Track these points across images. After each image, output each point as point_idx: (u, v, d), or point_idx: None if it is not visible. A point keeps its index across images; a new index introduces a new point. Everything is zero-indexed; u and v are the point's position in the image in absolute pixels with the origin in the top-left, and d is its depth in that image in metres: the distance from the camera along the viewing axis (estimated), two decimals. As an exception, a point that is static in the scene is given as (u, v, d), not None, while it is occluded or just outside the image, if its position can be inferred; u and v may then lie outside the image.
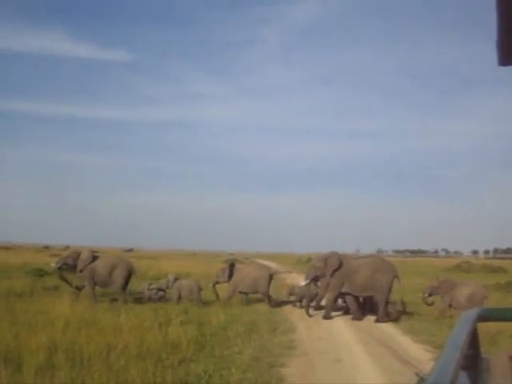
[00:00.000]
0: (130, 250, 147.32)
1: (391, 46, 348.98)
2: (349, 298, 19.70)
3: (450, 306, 19.57)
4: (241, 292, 21.94)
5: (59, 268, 21.89)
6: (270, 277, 21.79)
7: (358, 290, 19.53)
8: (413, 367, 10.46)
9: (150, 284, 22.21)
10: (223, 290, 22.25)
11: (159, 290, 21.64)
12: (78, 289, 21.20)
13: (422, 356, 12.18)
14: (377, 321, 18.55)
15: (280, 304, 22.07)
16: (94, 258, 21.94)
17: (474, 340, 2.55)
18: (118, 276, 21.43)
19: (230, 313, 18.26)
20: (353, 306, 19.52)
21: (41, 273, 26.69)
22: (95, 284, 21.52)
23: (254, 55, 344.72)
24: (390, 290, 19.34)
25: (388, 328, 16.97)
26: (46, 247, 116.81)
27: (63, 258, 22.33)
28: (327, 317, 19.00)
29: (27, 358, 9.81)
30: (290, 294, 22.69)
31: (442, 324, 16.11)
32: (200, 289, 21.21)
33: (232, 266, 22.61)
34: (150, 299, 21.26)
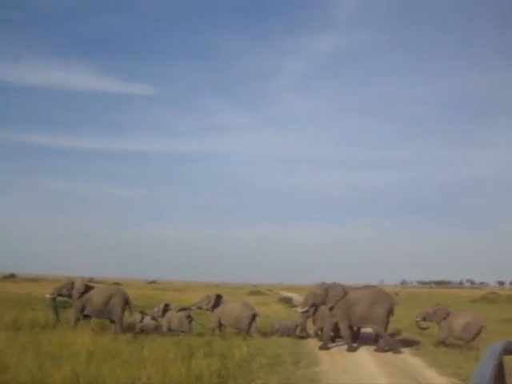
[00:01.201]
0: (153, 282, 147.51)
1: (415, 75, 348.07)
2: (344, 328, 19.71)
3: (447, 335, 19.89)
4: (221, 325, 21.90)
5: (53, 299, 22.05)
6: (253, 316, 21.67)
7: (357, 322, 19.87)
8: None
9: (143, 314, 22.11)
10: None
11: (152, 318, 21.55)
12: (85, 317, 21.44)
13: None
14: (376, 350, 18.79)
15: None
16: (88, 288, 22.12)
17: (500, 373, 2.52)
18: (116, 306, 21.56)
19: (253, 345, 18.15)
20: (347, 336, 19.57)
21: (64, 305, 26.70)
22: (89, 315, 21.75)
23: (278, 86, 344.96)
24: (388, 320, 19.53)
25: (413, 360, 16.76)
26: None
27: (58, 288, 22.35)
28: (351, 349, 18.95)
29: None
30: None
31: (468, 356, 15.87)
32: (191, 319, 21.29)
33: (219, 297, 22.66)
34: (142, 329, 21.17)
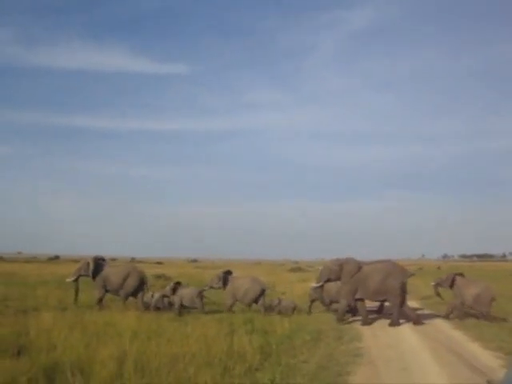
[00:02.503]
0: (195, 261, 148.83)
1: (448, 48, 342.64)
2: (360, 304, 19.91)
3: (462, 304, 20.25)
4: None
5: (75, 280, 22.69)
6: (262, 291, 21.84)
7: (371, 296, 19.87)
8: (483, 375, 10.25)
9: (154, 292, 22.46)
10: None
11: (164, 296, 21.81)
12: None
13: (492, 363, 11.90)
14: (391, 324, 18.84)
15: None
16: (100, 266, 22.74)
17: None
18: (129, 285, 22.28)
19: (295, 321, 18.23)
20: (363, 311, 19.77)
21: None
22: (107, 291, 22.49)
23: (313, 62, 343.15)
24: (403, 292, 19.53)
25: (456, 334, 16.65)
26: (113, 259, 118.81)
27: (76, 270, 23.01)
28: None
29: (98, 368, 10.01)
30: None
31: (512, 330, 15.72)
32: (202, 296, 21.49)
33: (227, 273, 22.98)
34: (156, 306, 21.45)
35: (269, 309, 21.67)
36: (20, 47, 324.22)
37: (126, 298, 22.29)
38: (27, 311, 19.11)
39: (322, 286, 20.98)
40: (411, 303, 25.60)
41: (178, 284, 22.17)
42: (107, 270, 22.59)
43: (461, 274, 21.43)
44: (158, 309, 21.40)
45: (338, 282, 20.74)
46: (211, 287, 22.86)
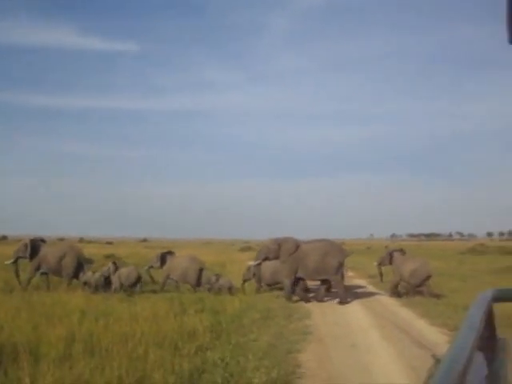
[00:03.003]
0: (145, 240, 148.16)
1: (404, 29, 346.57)
2: (301, 283, 20.21)
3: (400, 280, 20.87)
4: (172, 279, 22.35)
5: (14, 262, 22.44)
6: (200, 270, 21.96)
7: (311, 274, 20.06)
8: (429, 350, 10.46)
9: (94, 272, 22.16)
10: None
11: (104, 277, 21.70)
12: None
13: (438, 339, 12.16)
14: (340, 302, 19.09)
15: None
16: (38, 247, 22.50)
17: (489, 321, 2.55)
18: (68, 264, 22.09)
19: (245, 300, 18.34)
20: (287, 288, 19.87)
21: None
22: (45, 273, 22.36)
23: (264, 41, 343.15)
24: (340, 269, 20.09)
25: (403, 311, 16.96)
26: (61, 239, 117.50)
27: (15, 252, 22.76)
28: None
29: (46, 348, 9.91)
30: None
31: (457, 307, 16.05)
32: (140, 276, 21.43)
33: (167, 253, 23.13)
34: (95, 286, 21.13)
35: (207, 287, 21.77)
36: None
37: (69, 278, 22.01)
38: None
39: (259, 265, 21.14)
40: (359, 281, 25.90)
41: (115, 264, 22.21)
42: (44, 251, 22.37)
43: (400, 251, 22.11)
44: (97, 288, 21.13)
45: (273, 263, 21.07)
46: (151, 267, 23.01)
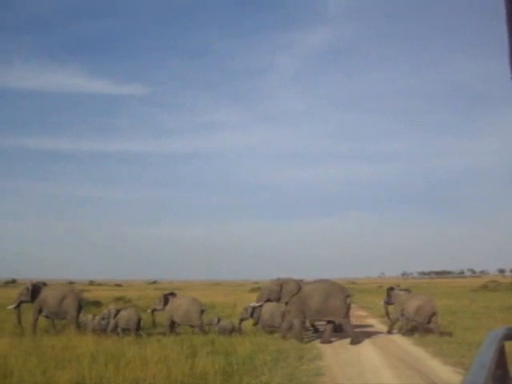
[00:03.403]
0: (155, 282, 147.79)
1: (406, 67, 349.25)
2: (298, 323, 19.91)
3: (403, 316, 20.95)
4: (174, 322, 22.03)
5: (17, 307, 22.47)
6: (202, 311, 21.81)
7: (313, 315, 20.15)
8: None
9: (95, 315, 22.10)
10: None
11: (102, 319, 21.55)
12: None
13: (452, 378, 12.00)
14: (352, 343, 18.84)
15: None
16: (39, 289, 22.47)
17: (501, 359, 2.52)
18: (70, 307, 21.94)
19: (256, 342, 18.16)
20: (298, 330, 19.72)
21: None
22: (46, 316, 22.33)
23: (271, 82, 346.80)
24: (347, 310, 19.87)
25: (416, 350, 16.77)
26: (71, 283, 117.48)
27: (17, 296, 22.82)
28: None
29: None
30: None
31: (471, 345, 15.87)
32: (139, 319, 21.31)
33: (169, 295, 22.92)
34: (93, 329, 20.81)
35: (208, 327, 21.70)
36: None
37: (74, 321, 21.81)
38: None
39: (261, 306, 21.11)
40: (371, 321, 25.68)
41: (118, 311, 21.91)
42: (44, 294, 22.29)
43: (407, 290, 22.40)
44: (92, 331, 20.90)
45: (271, 306, 21.20)
46: (154, 309, 22.87)
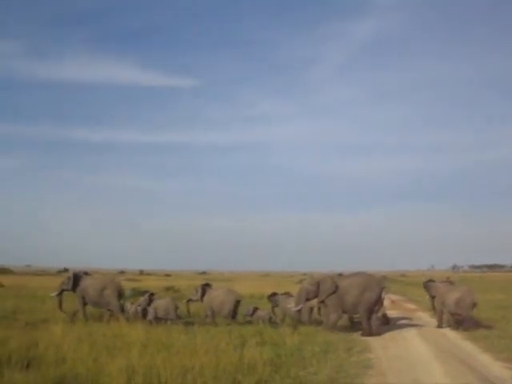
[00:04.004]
0: (204, 273, 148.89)
1: (453, 58, 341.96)
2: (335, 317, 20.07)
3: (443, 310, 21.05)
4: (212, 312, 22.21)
5: (58, 295, 22.97)
6: (237, 302, 21.97)
7: (350, 310, 20.24)
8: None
9: (132, 303, 22.61)
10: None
11: (141, 308, 21.86)
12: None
13: (504, 374, 11.81)
14: (363, 335, 19.05)
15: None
16: (79, 279, 23.04)
17: None
18: (110, 297, 22.34)
19: (304, 333, 18.15)
20: (333, 323, 19.89)
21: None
22: (86, 304, 22.69)
23: (319, 74, 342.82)
24: (378, 303, 19.91)
25: (467, 345, 16.55)
26: (122, 272, 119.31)
27: (59, 285, 23.35)
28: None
29: (107, 381, 10.00)
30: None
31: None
32: (176, 307, 21.61)
33: (206, 286, 23.17)
34: (134, 317, 21.20)
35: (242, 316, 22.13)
36: (27, 60, 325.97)
37: (118, 310, 22.08)
38: (36, 324, 19.16)
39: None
40: (421, 314, 25.37)
41: (152, 295, 22.57)
42: (85, 283, 22.81)
43: (448, 281, 22.20)
44: (133, 318, 21.16)
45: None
46: (190, 299, 23.16)
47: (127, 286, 38.87)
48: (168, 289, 41.25)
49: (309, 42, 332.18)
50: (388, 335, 19.14)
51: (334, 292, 19.79)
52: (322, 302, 20.14)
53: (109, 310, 22.34)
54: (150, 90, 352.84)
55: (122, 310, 22.20)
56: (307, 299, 20.42)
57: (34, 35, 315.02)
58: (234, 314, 21.77)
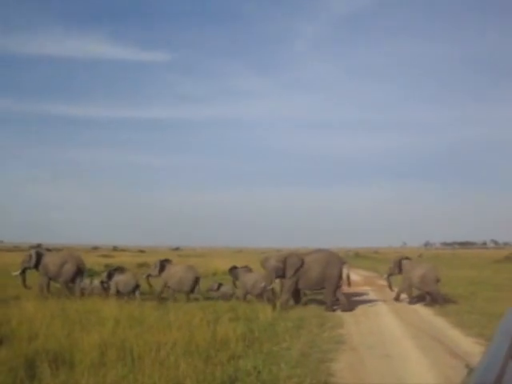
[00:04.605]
0: (177, 249, 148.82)
1: (430, 34, 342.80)
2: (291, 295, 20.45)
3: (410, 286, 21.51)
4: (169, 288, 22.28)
5: (21, 273, 22.98)
6: (196, 279, 22.01)
7: (313, 286, 20.57)
8: (463, 360, 10.32)
9: (93, 278, 23.02)
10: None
11: (101, 282, 22.26)
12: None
13: (473, 349, 11.99)
14: (326, 310, 19.28)
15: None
16: (41, 256, 23.10)
17: None
18: (67, 271, 22.52)
19: (277, 309, 18.26)
20: (285, 299, 20.02)
21: (90, 273, 27.20)
22: (50, 279, 22.77)
23: (295, 49, 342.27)
24: (340, 279, 20.25)
25: (437, 321, 16.77)
26: (95, 248, 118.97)
27: (21, 263, 23.33)
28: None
29: (80, 356, 9.99)
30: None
31: (492, 316, 15.82)
32: (137, 283, 21.83)
33: (165, 261, 23.11)
34: (92, 292, 21.67)
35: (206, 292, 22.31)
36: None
37: (66, 284, 22.46)
38: (8, 300, 19.01)
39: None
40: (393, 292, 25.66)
41: (115, 270, 22.77)
42: (46, 259, 22.90)
43: (407, 258, 22.99)
44: (91, 293, 21.53)
45: (253, 275, 21.62)
46: (149, 275, 23.07)
47: (100, 262, 38.85)
48: (141, 265, 41.11)
49: (284, 16, 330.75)
50: (360, 311, 19.34)
51: (300, 267, 20.00)
52: (290, 278, 20.14)
53: (68, 285, 22.51)
54: (123, 64, 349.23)
55: (81, 285, 22.40)
56: (277, 276, 20.50)
57: (5, 9, 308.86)
58: (192, 290, 21.81)
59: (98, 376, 8.75)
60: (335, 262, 20.33)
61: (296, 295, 20.72)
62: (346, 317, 17.88)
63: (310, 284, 20.29)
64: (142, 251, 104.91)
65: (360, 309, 19.84)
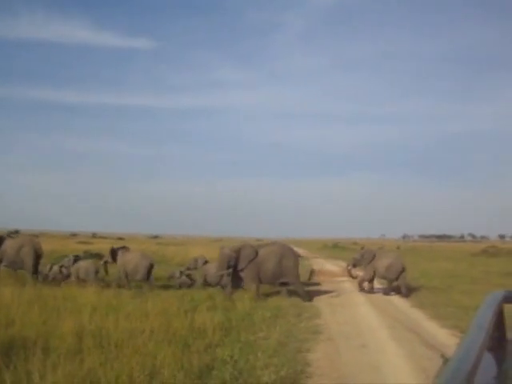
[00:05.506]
0: (156, 237, 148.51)
1: (416, 29, 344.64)
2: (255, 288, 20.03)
3: (374, 275, 21.92)
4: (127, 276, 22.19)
5: None
6: (151, 266, 21.96)
7: (270, 279, 20.30)
8: (439, 352, 10.42)
9: (53, 264, 22.76)
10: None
11: (62, 267, 22.27)
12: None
13: (448, 341, 12.11)
14: (304, 300, 19.21)
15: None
16: (1, 240, 23.12)
17: (499, 321, 2.54)
18: (26, 256, 22.54)
19: (255, 298, 18.32)
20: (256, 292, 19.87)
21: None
22: (6, 265, 22.85)
23: (279, 41, 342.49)
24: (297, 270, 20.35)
25: (414, 313, 16.91)
26: (74, 235, 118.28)
27: None
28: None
29: (57, 343, 9.97)
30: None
31: (468, 308, 15.98)
32: (97, 270, 21.92)
33: (117, 249, 22.91)
34: (53, 279, 21.68)
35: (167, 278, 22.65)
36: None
37: (31, 270, 22.39)
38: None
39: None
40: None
41: (77, 257, 23.13)
42: (6, 244, 22.91)
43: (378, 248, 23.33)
44: (54, 280, 21.56)
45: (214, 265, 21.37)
46: (106, 261, 23.01)
47: (79, 249, 38.61)
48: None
49: (271, 8, 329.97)
50: (337, 302, 19.44)
51: (253, 259, 20.00)
52: (242, 270, 20.15)
53: (23, 269, 22.58)
54: (106, 51, 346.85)
55: (37, 270, 22.41)
56: (228, 266, 20.40)
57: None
58: (147, 277, 21.75)
59: (75, 363, 8.73)
60: (289, 254, 20.37)
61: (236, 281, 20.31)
62: (324, 307, 17.97)
63: (266, 277, 20.09)
64: (120, 238, 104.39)
65: (337, 299, 19.94)
